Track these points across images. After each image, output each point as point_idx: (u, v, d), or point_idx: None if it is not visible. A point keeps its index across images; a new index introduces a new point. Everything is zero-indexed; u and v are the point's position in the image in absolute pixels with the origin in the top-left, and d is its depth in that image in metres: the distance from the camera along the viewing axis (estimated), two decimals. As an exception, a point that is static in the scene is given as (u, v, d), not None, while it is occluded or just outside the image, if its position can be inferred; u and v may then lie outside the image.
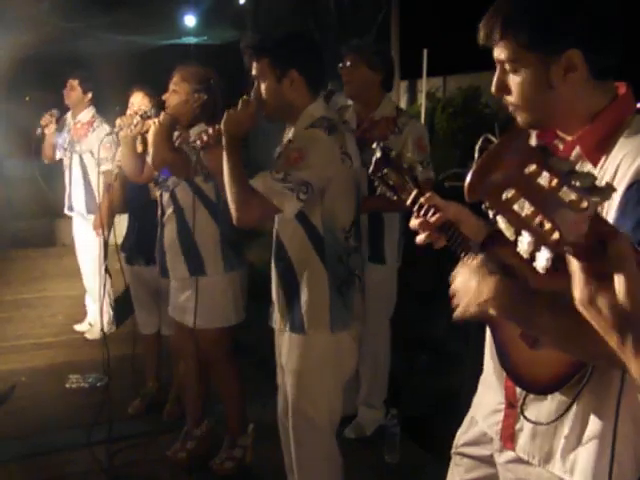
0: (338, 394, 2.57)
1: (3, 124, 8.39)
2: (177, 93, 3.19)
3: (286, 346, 2.54)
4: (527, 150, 0.85)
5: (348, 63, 3.46)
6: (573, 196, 0.80)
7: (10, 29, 6.87)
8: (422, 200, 1.78)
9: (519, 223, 0.84)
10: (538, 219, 0.82)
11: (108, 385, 3.93)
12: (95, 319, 5.13)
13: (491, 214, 1.02)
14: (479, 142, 1.63)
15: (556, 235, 0.81)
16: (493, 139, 1.62)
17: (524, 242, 0.87)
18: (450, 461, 1.88)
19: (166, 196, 3.26)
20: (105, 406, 3.57)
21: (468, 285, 1.43)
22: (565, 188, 0.80)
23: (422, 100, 11.03)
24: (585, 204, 0.79)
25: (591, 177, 0.81)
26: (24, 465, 3.53)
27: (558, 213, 0.80)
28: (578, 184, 0.80)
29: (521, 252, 0.89)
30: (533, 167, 0.83)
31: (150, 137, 3.15)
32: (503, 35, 1.40)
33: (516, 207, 0.84)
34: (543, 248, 0.85)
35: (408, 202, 1.84)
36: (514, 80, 1.43)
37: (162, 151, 3.09)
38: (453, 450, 1.88)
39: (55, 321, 5.52)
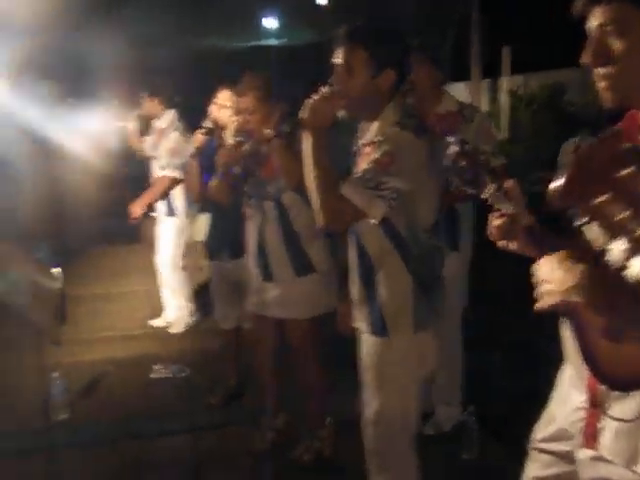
0: (418, 394, 2.52)
1: (92, 126, 8.72)
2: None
3: (366, 346, 2.51)
4: (623, 152, 0.80)
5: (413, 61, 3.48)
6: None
7: (93, 34, 7.14)
8: (506, 187, 1.75)
9: (616, 228, 0.79)
10: (637, 223, 0.77)
11: (190, 376, 4.05)
12: (176, 314, 5.33)
13: (580, 221, 0.97)
14: (569, 145, 1.57)
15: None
16: (583, 141, 1.58)
17: (617, 250, 0.81)
18: (527, 457, 1.87)
19: (268, 203, 3.35)
20: (187, 396, 3.68)
21: (554, 274, 1.39)
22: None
23: (504, 98, 10.84)
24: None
25: None
26: (109, 449, 3.70)
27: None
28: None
29: (610, 261, 0.83)
30: (630, 169, 0.78)
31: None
32: None
33: (612, 212, 0.78)
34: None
35: (485, 196, 1.81)
36: (619, 45, 1.34)
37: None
38: (530, 445, 1.85)
39: (140, 315, 5.71)
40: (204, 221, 4.20)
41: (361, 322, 2.51)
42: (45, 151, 7.34)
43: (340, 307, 2.79)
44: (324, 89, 2.32)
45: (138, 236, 8.23)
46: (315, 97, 2.29)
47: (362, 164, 2.34)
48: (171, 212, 5.17)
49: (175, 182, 5.00)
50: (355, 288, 2.53)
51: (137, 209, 5.05)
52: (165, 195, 5.07)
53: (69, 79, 8.01)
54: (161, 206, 5.25)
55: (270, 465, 3.50)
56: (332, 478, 3.43)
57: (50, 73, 7.25)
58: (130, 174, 6.14)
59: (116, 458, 3.60)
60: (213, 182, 3.67)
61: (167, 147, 5.03)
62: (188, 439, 3.66)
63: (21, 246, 3.00)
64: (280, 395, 3.64)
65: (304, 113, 2.29)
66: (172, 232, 5.20)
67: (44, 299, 2.70)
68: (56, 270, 2.77)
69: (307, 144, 2.29)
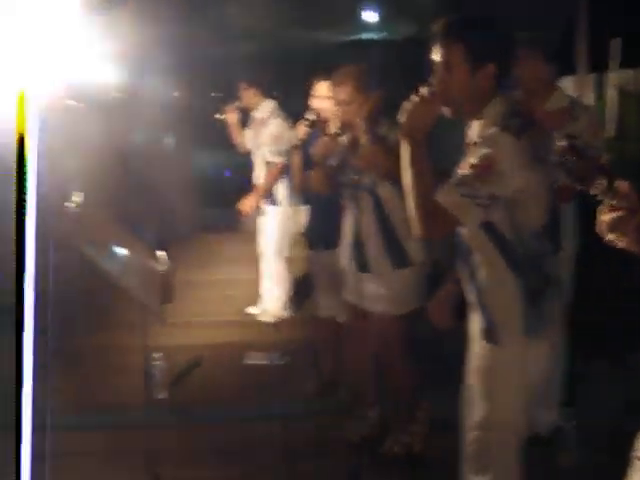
0: (525, 401, 2.42)
1: (192, 119, 8.97)
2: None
3: (476, 350, 2.42)
4: None
5: (521, 57, 3.39)
6: None
7: (196, 28, 7.29)
8: (617, 183, 1.69)
9: None
10: None
11: (285, 364, 4.11)
12: (275, 302, 5.42)
13: None
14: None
15: None
16: None
17: None
18: (629, 464, 1.80)
19: (364, 194, 3.36)
20: (281, 384, 3.74)
21: None
22: None
23: (612, 94, 10.41)
24: None
25: None
26: (202, 431, 3.82)
27: None
28: None
29: None
30: None
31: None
32: None
33: None
34: None
35: (595, 192, 1.74)
36: None
37: None
38: (633, 453, 1.79)
39: (238, 302, 5.84)
40: (305, 212, 4.24)
41: (471, 326, 2.44)
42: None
43: (432, 303, 2.73)
44: (423, 89, 2.23)
45: (238, 225, 8.47)
46: (413, 100, 2.22)
47: (462, 166, 2.24)
48: (275, 202, 5.25)
49: (284, 168, 5.04)
50: (466, 290, 2.45)
51: (250, 205, 5.12)
52: (276, 182, 5.12)
53: (172, 72, 8.24)
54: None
55: (360, 456, 3.51)
56: (420, 473, 3.41)
57: (152, 66, 7.48)
58: (229, 167, 6.27)
59: (208, 440, 3.71)
60: (312, 172, 3.71)
61: (270, 134, 5.09)
62: (280, 426, 3.71)
63: (130, 230, 3.13)
64: (375, 387, 3.65)
65: (402, 117, 2.22)
66: (276, 222, 5.26)
67: (151, 281, 2.81)
68: (162, 253, 2.88)
69: (405, 150, 2.22)
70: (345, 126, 3.48)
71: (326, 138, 3.63)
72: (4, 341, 1.37)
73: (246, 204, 5.21)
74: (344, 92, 3.34)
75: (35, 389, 1.23)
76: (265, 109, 5.25)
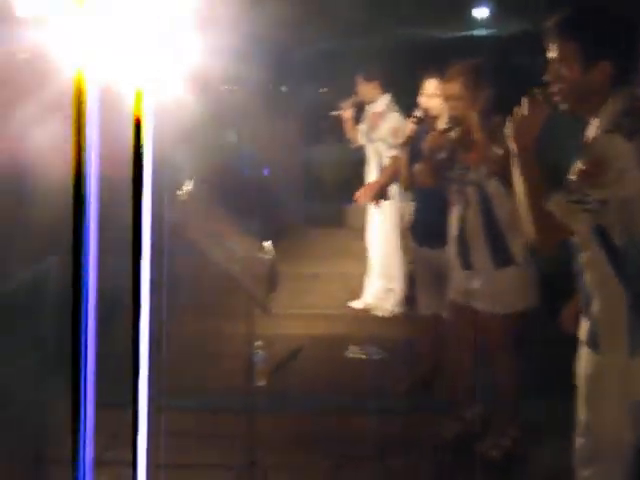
0: (630, 416, 2.27)
1: (302, 113, 9.08)
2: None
3: (582, 357, 2.34)
4: None
5: None
6: None
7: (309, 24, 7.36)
8: None
9: None
10: None
11: (385, 359, 4.13)
12: (380, 298, 5.43)
13: None
14: None
15: None
16: None
17: None
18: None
19: (471, 190, 3.34)
20: (379, 378, 3.75)
21: None
22: None
23: None
24: None
25: None
26: (301, 420, 3.90)
27: None
28: None
29: None
30: None
31: None
32: None
33: None
34: None
35: None
36: None
37: None
38: None
39: (339, 295, 5.90)
40: (411, 208, 4.24)
41: (580, 331, 2.36)
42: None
43: (565, 308, 2.65)
44: (533, 91, 2.18)
45: (341, 220, 8.54)
46: (524, 104, 2.17)
47: (572, 171, 2.15)
48: (388, 197, 5.25)
49: (403, 162, 5.03)
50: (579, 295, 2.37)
51: (367, 194, 5.09)
52: (394, 176, 5.10)
53: (281, 66, 8.37)
54: None
55: (454, 455, 3.49)
56: (517, 478, 3.35)
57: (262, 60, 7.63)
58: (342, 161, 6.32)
59: (303, 429, 3.78)
60: (418, 166, 3.70)
61: (389, 127, 5.08)
62: (376, 420, 3.74)
63: (237, 220, 3.23)
64: (473, 387, 3.61)
65: (512, 122, 2.19)
66: (386, 217, 5.27)
67: (256, 270, 2.89)
68: (267, 243, 2.96)
69: (516, 160, 2.19)
70: (454, 121, 3.46)
71: (435, 133, 3.63)
72: (120, 324, 1.42)
73: (364, 193, 5.17)
74: (454, 87, 3.34)
75: (150, 370, 1.29)
76: (382, 103, 5.26)
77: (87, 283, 1.24)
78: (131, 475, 1.23)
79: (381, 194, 5.12)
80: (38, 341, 4.37)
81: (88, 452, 1.22)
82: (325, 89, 10.36)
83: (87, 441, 1.23)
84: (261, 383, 3.94)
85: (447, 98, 3.44)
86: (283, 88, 9.89)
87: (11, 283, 4.41)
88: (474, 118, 3.27)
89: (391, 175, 5.04)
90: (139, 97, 1.18)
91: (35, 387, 4.16)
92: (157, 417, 1.31)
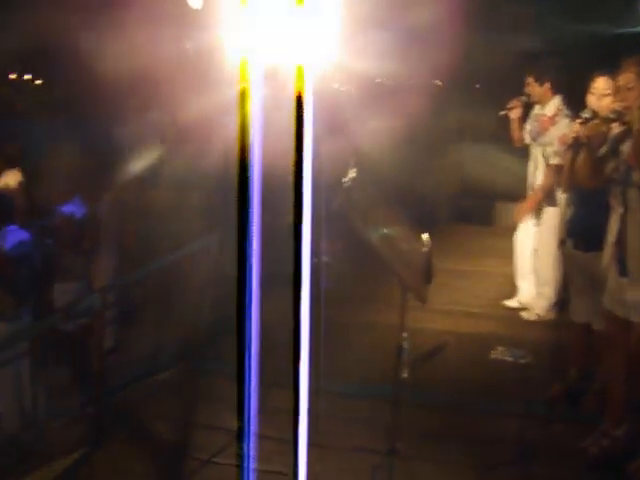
0: None
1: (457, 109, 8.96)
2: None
3: None
4: None
5: None
6: None
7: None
8: None
9: None
10: None
11: (530, 364, 4.03)
12: (533, 300, 5.32)
13: None
14: None
15: None
16: None
17: None
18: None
19: (633, 192, 3.21)
20: (522, 383, 3.68)
21: None
22: None
23: None
24: None
25: None
26: (441, 415, 3.91)
27: None
28: None
29: None
30: None
31: None
32: None
33: None
34: None
35: None
36: None
37: None
38: None
39: (486, 294, 5.82)
40: (569, 210, 4.10)
41: None
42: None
43: None
44: None
45: (490, 218, 8.38)
46: None
47: None
48: (552, 203, 5.07)
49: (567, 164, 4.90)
50: None
51: (526, 211, 5.10)
52: (557, 184, 4.99)
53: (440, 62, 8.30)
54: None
55: (599, 472, 3.36)
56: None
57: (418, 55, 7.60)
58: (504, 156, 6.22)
59: (444, 424, 3.80)
60: (580, 163, 3.58)
61: (558, 134, 4.93)
62: (518, 424, 3.66)
63: (396, 211, 3.27)
64: (624, 403, 3.45)
65: None
66: (549, 221, 5.11)
67: (414, 260, 2.93)
68: (424, 235, 2.98)
69: None
70: (620, 113, 3.30)
71: (598, 121, 3.48)
72: (282, 308, 1.48)
73: (523, 210, 5.14)
74: (627, 78, 3.22)
75: (310, 355, 1.35)
76: (553, 106, 5.09)
77: (251, 263, 1.31)
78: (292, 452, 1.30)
79: (546, 201, 5.04)
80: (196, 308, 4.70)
81: (252, 427, 1.30)
82: (478, 86, 10.17)
83: (251, 416, 1.31)
84: (405, 375, 3.99)
85: (617, 90, 3.33)
86: (439, 82, 9.80)
87: (179, 254, 4.76)
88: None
89: (551, 184, 4.91)
90: (300, 73, 1.21)
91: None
92: (315, 400, 1.37)
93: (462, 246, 7.47)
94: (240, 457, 1.29)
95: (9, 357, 3.82)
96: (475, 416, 3.91)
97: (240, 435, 1.29)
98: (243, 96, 1.23)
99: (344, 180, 3.01)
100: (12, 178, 6.02)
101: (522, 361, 4.44)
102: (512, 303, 5.54)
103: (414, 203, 6.38)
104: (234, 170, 1.26)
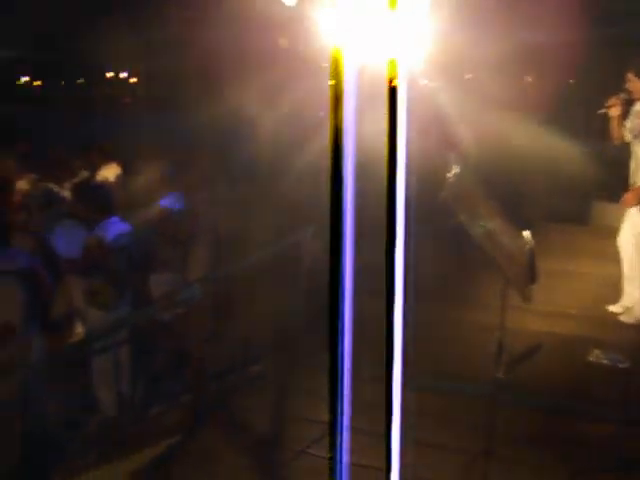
0: None
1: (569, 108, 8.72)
2: None
3: None
4: None
5: None
6: None
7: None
8: None
9: None
10: None
11: (629, 369, 3.89)
12: (632, 304, 5.13)
13: None
14: None
15: None
16: None
17: None
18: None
19: None
20: (619, 388, 3.55)
21: None
22: None
23: None
24: None
25: None
26: (534, 417, 3.80)
27: None
28: None
29: None
30: None
31: None
32: None
33: None
34: None
35: None
36: None
37: None
38: None
39: (585, 296, 5.63)
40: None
41: None
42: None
43: None
44: None
45: (586, 218, 8.11)
46: None
47: None
48: None
49: None
50: None
51: (636, 198, 4.92)
52: None
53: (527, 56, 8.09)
54: None
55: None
56: None
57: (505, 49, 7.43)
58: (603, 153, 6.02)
59: (538, 426, 3.70)
60: None
61: None
62: (615, 430, 3.54)
63: (499, 207, 3.21)
64: None
65: None
66: None
67: (517, 257, 2.86)
68: (527, 233, 2.91)
69: None
70: None
71: None
72: (373, 304, 1.48)
73: (633, 196, 4.96)
74: None
75: (403, 351, 1.34)
76: None
77: (344, 258, 1.30)
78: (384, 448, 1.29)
79: None
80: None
81: (345, 420, 1.30)
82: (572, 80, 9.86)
83: (344, 408, 1.31)
84: (499, 374, 3.91)
85: None
86: (529, 78, 9.57)
87: (274, 247, 4.85)
88: None
89: None
90: (393, 65, 1.19)
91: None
92: (407, 395, 1.36)
93: (559, 246, 7.24)
94: (333, 449, 1.29)
95: (109, 345, 3.96)
96: (571, 419, 3.79)
97: (333, 428, 1.29)
98: (336, 91, 1.22)
99: (448, 175, 3.01)
100: (111, 172, 6.28)
101: (621, 366, 4.28)
102: (616, 309, 5.33)
103: (511, 201, 6.24)
104: (327, 163, 1.26)
